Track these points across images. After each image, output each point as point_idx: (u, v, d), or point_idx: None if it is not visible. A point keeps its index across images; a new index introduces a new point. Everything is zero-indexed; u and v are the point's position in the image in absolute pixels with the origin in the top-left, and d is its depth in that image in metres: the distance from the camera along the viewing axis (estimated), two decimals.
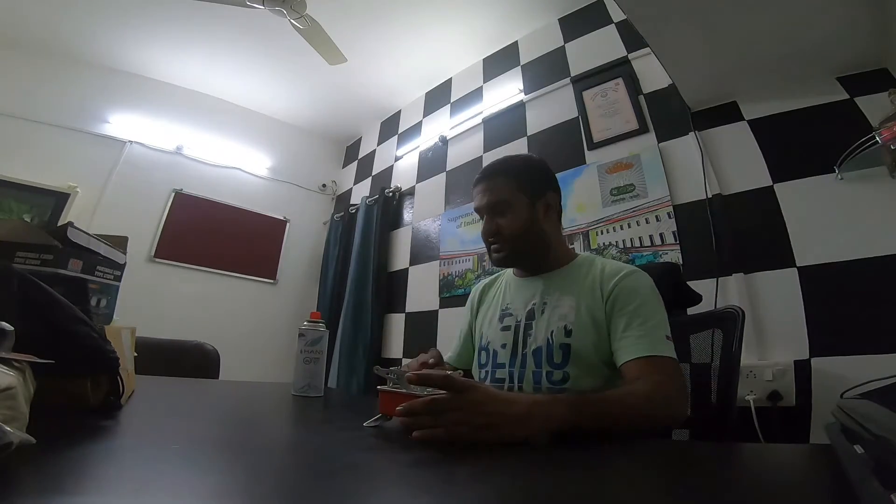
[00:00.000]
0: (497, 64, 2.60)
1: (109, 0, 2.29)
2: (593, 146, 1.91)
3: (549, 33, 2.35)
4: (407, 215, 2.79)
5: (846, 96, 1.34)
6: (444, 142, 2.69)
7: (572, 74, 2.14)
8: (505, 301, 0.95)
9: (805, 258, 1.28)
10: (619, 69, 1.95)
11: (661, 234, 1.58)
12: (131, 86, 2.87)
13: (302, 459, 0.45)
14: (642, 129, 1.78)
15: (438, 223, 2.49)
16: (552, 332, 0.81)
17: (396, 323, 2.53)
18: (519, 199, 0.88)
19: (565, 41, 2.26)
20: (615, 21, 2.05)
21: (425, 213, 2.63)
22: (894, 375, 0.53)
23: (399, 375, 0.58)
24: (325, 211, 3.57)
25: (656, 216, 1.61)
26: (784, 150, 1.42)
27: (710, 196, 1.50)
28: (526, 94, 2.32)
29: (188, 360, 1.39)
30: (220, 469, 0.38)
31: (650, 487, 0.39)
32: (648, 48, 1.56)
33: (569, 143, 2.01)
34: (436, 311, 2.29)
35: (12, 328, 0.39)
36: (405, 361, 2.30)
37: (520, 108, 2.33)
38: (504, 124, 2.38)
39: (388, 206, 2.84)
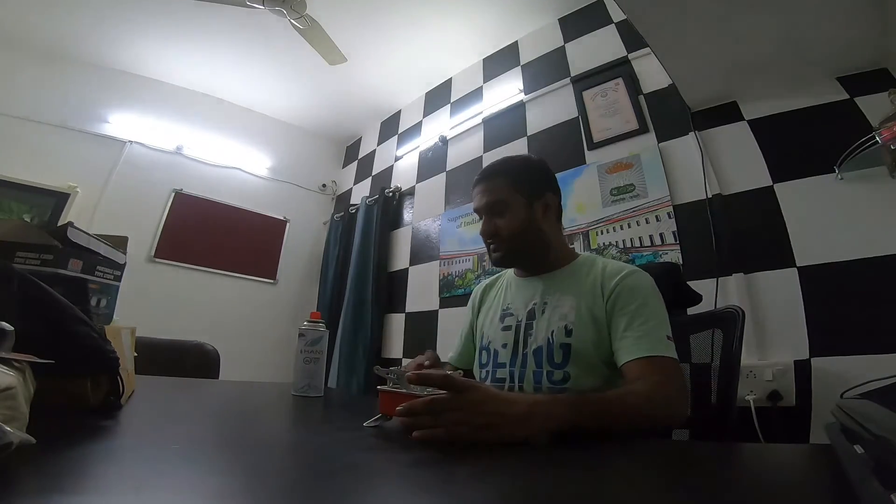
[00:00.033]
0: (497, 64, 2.60)
1: (110, 0, 2.29)
2: (593, 146, 1.91)
3: (549, 33, 2.35)
4: (407, 215, 2.79)
5: (846, 96, 1.34)
6: (444, 142, 2.69)
7: (572, 74, 2.14)
8: (506, 301, 0.95)
9: (805, 258, 1.28)
10: (619, 69, 1.95)
11: (661, 234, 1.58)
12: (131, 86, 2.87)
13: (302, 459, 0.45)
14: (642, 129, 1.78)
15: (438, 223, 2.49)
16: (553, 331, 0.81)
17: (396, 323, 2.53)
18: (516, 199, 0.88)
19: (565, 41, 2.26)
20: (615, 21, 2.05)
21: (425, 213, 2.63)
22: (894, 375, 0.53)
23: (399, 375, 0.58)
24: (325, 211, 3.57)
25: (656, 216, 1.61)
26: (784, 150, 1.42)
27: (710, 196, 1.50)
28: (526, 94, 2.32)
29: (188, 360, 1.39)
30: (220, 469, 0.38)
31: (650, 487, 0.39)
32: (648, 48, 1.56)
33: (569, 143, 2.01)
34: (436, 311, 2.29)
35: (12, 328, 0.39)
36: (405, 361, 2.30)
37: (520, 108, 2.33)
38: (504, 124, 2.38)
39: (388, 206, 2.84)
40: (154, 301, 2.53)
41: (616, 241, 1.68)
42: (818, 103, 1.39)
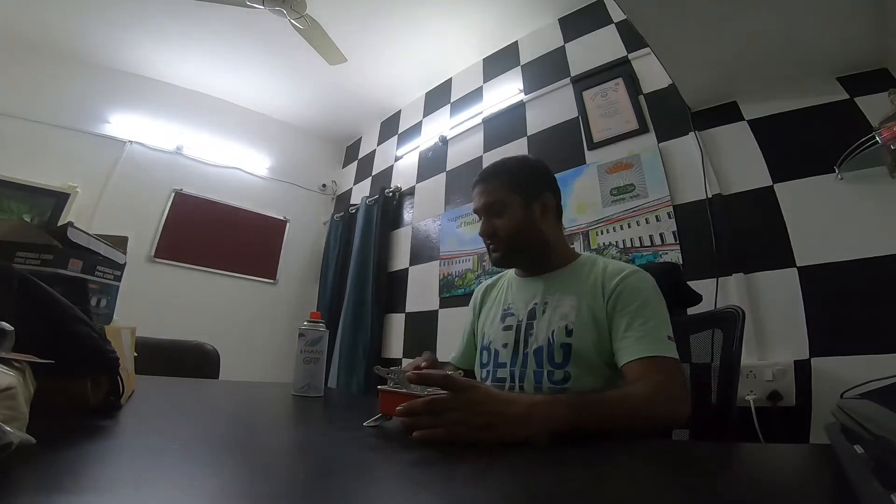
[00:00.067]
0: (497, 64, 2.60)
1: (110, 0, 2.29)
2: (593, 146, 1.91)
3: (549, 33, 2.35)
4: (407, 215, 2.79)
5: (846, 96, 1.34)
6: (444, 142, 2.69)
7: (572, 74, 2.14)
8: (507, 301, 0.95)
9: (805, 258, 1.28)
10: (619, 69, 1.95)
11: (661, 234, 1.58)
12: (131, 86, 2.87)
13: (302, 459, 0.45)
14: (642, 129, 1.78)
15: (438, 223, 2.49)
16: (553, 331, 0.81)
17: (396, 323, 2.53)
18: (514, 199, 0.89)
19: (565, 41, 2.26)
20: (615, 21, 2.05)
21: (425, 213, 2.63)
22: (894, 375, 0.53)
23: (399, 375, 0.58)
24: (325, 211, 3.57)
25: (656, 216, 1.61)
26: (784, 150, 1.42)
27: (710, 196, 1.50)
28: (526, 94, 2.32)
29: (188, 360, 1.39)
30: (220, 469, 0.38)
31: (650, 487, 0.39)
32: (648, 48, 1.56)
33: (569, 143, 2.01)
34: (436, 311, 2.29)
35: (12, 328, 0.39)
36: (405, 361, 2.30)
37: (520, 108, 2.33)
38: (504, 124, 2.38)
39: (388, 206, 2.84)
40: (154, 301, 2.53)
41: (616, 241, 1.68)
42: (818, 103, 1.39)
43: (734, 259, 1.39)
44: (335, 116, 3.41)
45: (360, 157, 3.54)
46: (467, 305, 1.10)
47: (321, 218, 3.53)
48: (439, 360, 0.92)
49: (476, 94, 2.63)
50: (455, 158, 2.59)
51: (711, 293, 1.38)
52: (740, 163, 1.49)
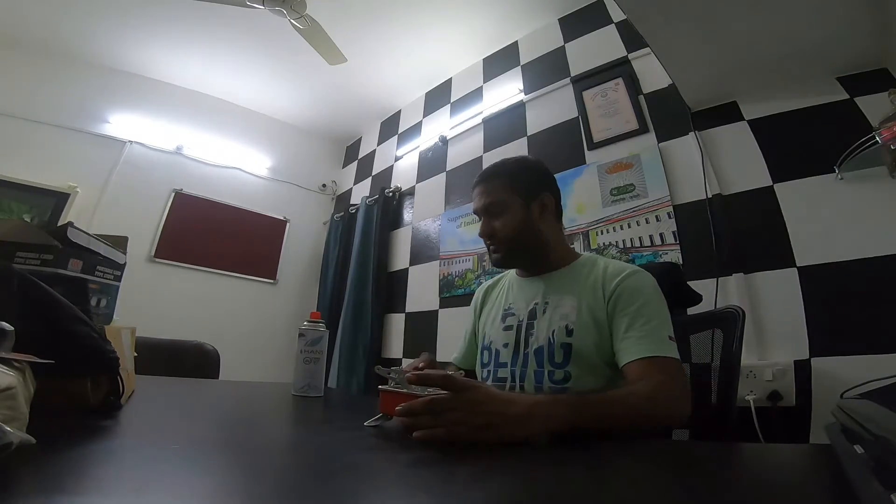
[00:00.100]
0: (497, 64, 2.60)
1: (109, 0, 2.29)
2: (593, 146, 1.91)
3: (549, 33, 2.35)
4: (407, 215, 2.79)
5: (846, 96, 1.34)
6: (444, 142, 2.69)
7: (572, 74, 2.14)
8: (507, 301, 0.95)
9: (805, 258, 1.28)
10: (619, 69, 1.95)
11: (661, 234, 1.58)
12: (131, 86, 2.87)
13: (302, 459, 0.45)
14: (642, 129, 1.78)
15: (438, 223, 2.49)
16: (553, 331, 0.81)
17: (396, 323, 2.53)
18: (513, 200, 0.89)
19: (565, 41, 2.26)
20: (615, 21, 2.05)
21: (425, 213, 2.63)
22: (894, 375, 0.53)
23: (400, 375, 0.58)
24: (325, 211, 3.57)
25: (656, 216, 1.61)
26: (784, 150, 1.42)
27: (710, 196, 1.50)
28: (526, 94, 2.32)
29: (188, 360, 1.39)
30: (220, 469, 0.38)
31: (650, 487, 0.39)
32: (648, 48, 1.56)
33: (569, 143, 2.01)
34: (436, 311, 2.29)
35: (12, 328, 0.39)
36: (405, 361, 2.30)
37: (520, 108, 2.33)
38: (504, 124, 2.38)
39: (388, 206, 2.84)
40: (154, 301, 2.53)
41: (616, 241, 1.68)
42: (818, 103, 1.39)
43: (734, 259, 1.39)
44: (335, 116, 3.41)
45: (360, 157, 3.54)
46: (467, 305, 1.11)
47: (321, 218, 3.53)
48: (439, 360, 0.93)
49: (476, 94, 2.63)
50: (455, 158, 2.59)
51: (711, 293, 1.38)
52: (740, 163, 1.49)
